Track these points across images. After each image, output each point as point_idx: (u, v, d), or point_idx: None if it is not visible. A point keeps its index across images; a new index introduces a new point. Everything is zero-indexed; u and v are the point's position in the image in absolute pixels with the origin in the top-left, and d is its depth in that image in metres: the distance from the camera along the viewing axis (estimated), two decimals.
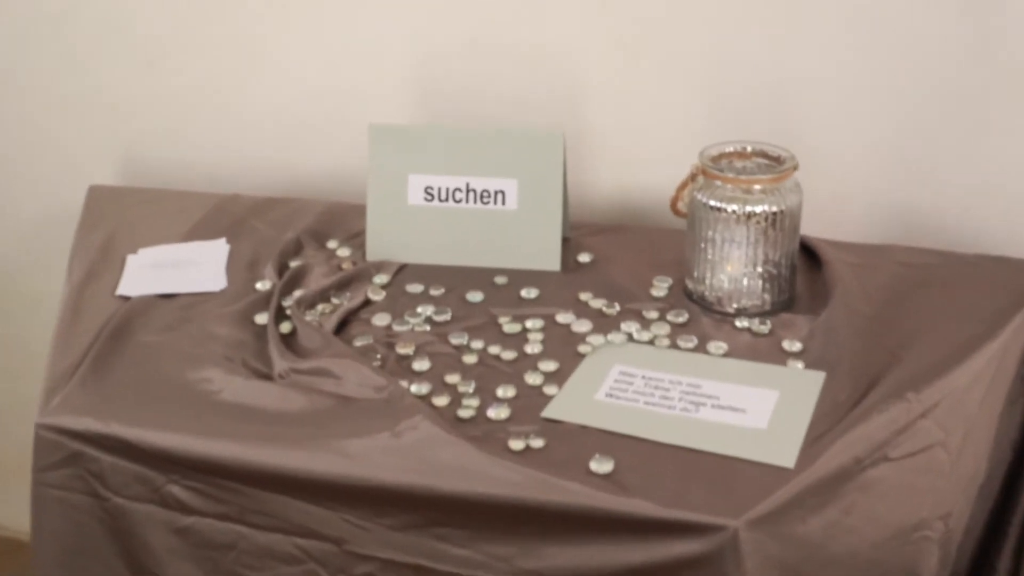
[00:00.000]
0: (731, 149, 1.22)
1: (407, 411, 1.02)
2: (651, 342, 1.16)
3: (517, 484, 0.95)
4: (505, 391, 1.09)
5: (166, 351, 1.18)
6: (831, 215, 1.38)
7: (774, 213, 1.17)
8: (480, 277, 1.31)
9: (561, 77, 1.49)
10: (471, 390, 1.10)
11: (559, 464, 0.98)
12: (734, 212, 1.18)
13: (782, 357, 1.14)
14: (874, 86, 1.39)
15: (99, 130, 1.70)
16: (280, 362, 1.13)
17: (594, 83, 1.47)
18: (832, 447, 0.99)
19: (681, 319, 1.20)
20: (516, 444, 1.01)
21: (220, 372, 1.13)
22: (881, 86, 1.39)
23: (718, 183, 1.19)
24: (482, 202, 1.33)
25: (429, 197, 1.34)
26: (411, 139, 1.34)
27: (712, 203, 1.18)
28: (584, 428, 1.04)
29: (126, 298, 1.28)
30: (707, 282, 1.22)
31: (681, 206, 1.25)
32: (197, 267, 1.35)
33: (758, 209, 1.17)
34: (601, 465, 0.98)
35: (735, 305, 1.21)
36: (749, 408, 1.05)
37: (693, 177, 1.20)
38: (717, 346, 1.15)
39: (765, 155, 1.22)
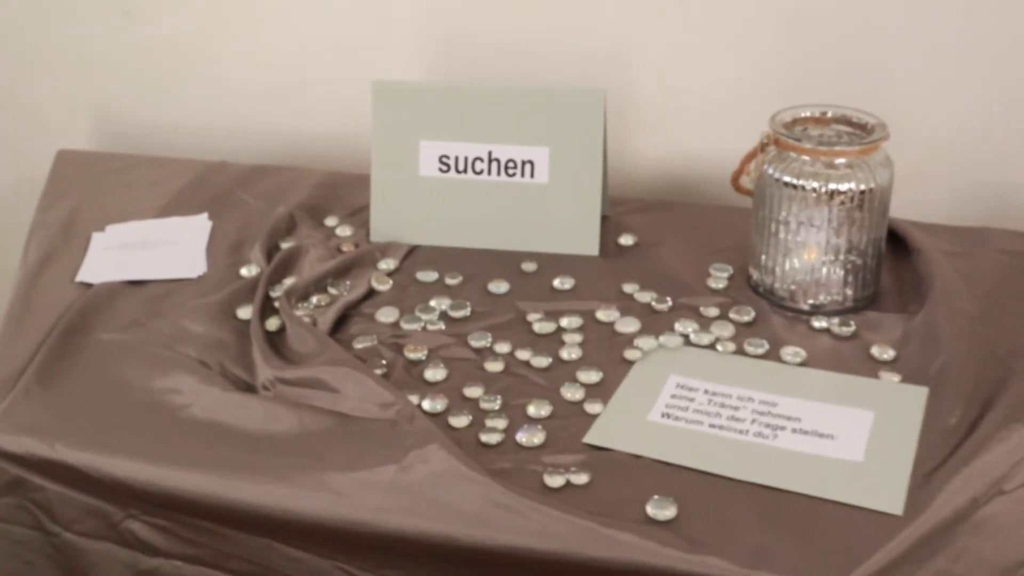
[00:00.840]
0: (807, 114, 1.02)
1: (418, 437, 0.83)
2: (712, 346, 0.97)
3: (556, 534, 0.76)
4: (539, 409, 0.90)
5: (129, 353, 0.98)
6: (913, 193, 1.18)
7: (862, 192, 0.97)
8: (504, 263, 1.11)
9: (596, 29, 1.28)
10: (496, 407, 0.90)
11: (608, 507, 0.79)
12: (814, 190, 0.98)
13: (872, 367, 0.94)
14: (966, 45, 1.18)
15: (70, 88, 1.49)
16: (265, 369, 0.93)
17: (635, 36, 1.27)
18: (947, 487, 0.79)
19: (747, 317, 1.00)
20: (554, 480, 0.82)
21: (192, 381, 0.93)
22: (974, 46, 1.18)
23: (793, 155, 0.99)
24: (507, 174, 1.13)
25: (444, 168, 1.14)
26: (423, 99, 1.13)
27: (787, 179, 0.98)
28: (638, 458, 0.85)
29: (88, 285, 1.09)
30: (777, 273, 1.01)
31: (745, 181, 1.06)
32: (173, 248, 1.16)
33: (843, 187, 0.97)
34: (661, 509, 0.79)
35: (811, 301, 1.01)
36: (839, 433, 0.86)
37: (763, 147, 1.00)
38: (793, 352, 0.95)
39: (847, 121, 1.01)
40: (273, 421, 0.89)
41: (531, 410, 0.90)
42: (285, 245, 1.15)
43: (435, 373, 0.94)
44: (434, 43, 1.33)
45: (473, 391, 0.92)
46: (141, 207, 1.24)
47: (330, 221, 1.20)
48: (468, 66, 1.32)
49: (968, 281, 1.02)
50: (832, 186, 0.97)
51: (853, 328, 0.98)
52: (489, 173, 1.13)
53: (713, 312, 1.02)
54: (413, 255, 1.13)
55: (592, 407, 0.90)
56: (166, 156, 1.39)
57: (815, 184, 0.97)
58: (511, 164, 1.12)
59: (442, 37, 1.33)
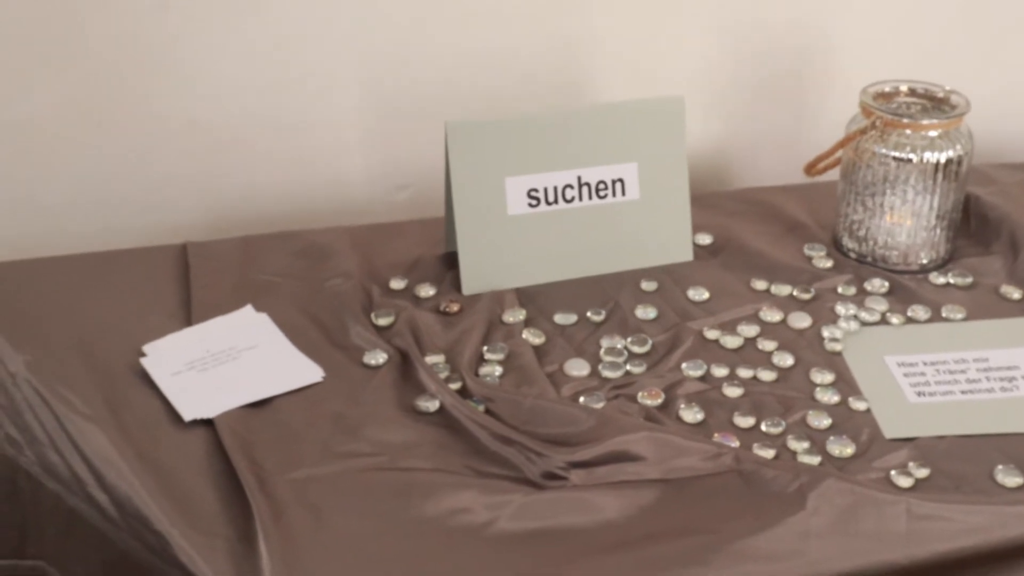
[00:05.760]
0: (887, 89, 1.10)
1: (803, 479, 0.80)
2: (884, 321, 1.03)
3: (980, 527, 0.78)
4: (818, 420, 0.90)
5: (352, 484, 0.83)
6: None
7: (957, 158, 1.07)
8: (622, 288, 1.07)
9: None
10: (780, 429, 0.89)
11: (972, 488, 0.83)
12: (922, 162, 1.06)
13: (1014, 307, 1.05)
14: None
15: None
16: (548, 457, 0.84)
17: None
18: None
19: (882, 289, 1.07)
20: (904, 480, 0.84)
21: (471, 494, 0.81)
22: None
23: (889, 130, 1.06)
24: (598, 196, 1.08)
25: (534, 202, 1.07)
26: (501, 133, 1.05)
27: (896, 154, 1.06)
28: (941, 439, 0.89)
29: (205, 422, 0.89)
30: (881, 240, 1.09)
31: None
32: (258, 354, 0.97)
33: (946, 156, 1.06)
34: (1010, 477, 0.84)
35: (922, 261, 1.10)
36: None
37: (873, 126, 1.06)
38: (950, 309, 1.04)
39: (913, 92, 1.11)
40: (600, 509, 0.80)
41: (813, 422, 0.90)
42: (383, 321, 1.01)
43: (692, 413, 0.91)
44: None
45: (744, 420, 0.90)
46: (152, 317, 1.02)
47: (396, 283, 1.07)
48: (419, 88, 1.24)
49: None
50: (947, 155, 1.05)
51: (971, 278, 1.09)
52: (580, 199, 1.08)
53: (851, 290, 1.07)
54: (528, 299, 1.05)
55: (856, 404, 0.93)
56: (95, 250, 1.15)
57: (926, 155, 1.05)
58: (602, 185, 1.08)
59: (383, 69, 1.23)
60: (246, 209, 1.28)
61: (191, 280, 1.07)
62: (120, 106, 1.19)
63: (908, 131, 1.06)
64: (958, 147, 1.06)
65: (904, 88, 1.11)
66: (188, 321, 1.03)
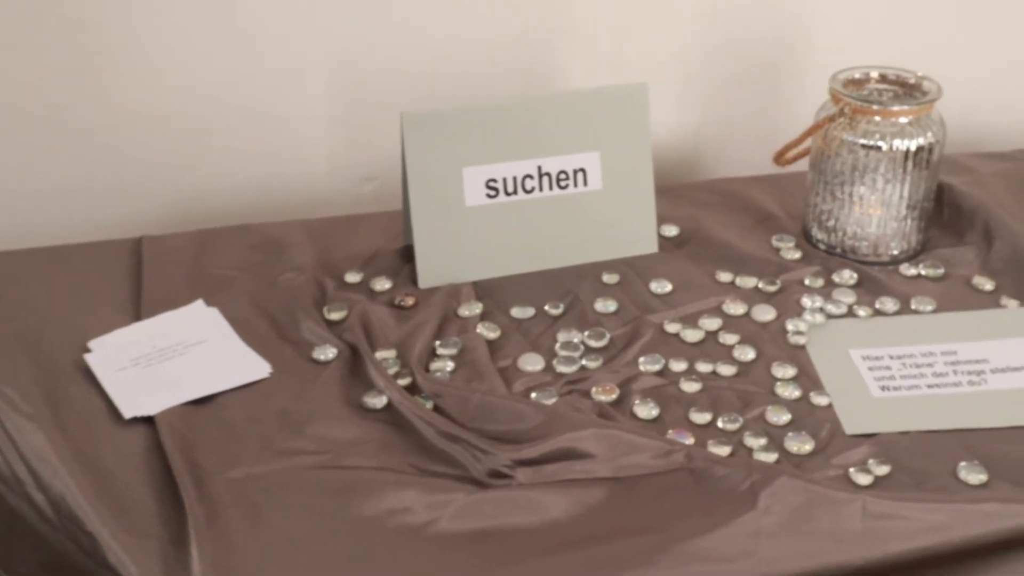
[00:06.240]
0: (858, 75, 1.07)
1: (756, 477, 0.77)
2: (851, 313, 1.00)
3: (940, 525, 0.76)
4: (777, 415, 0.87)
5: (295, 483, 0.80)
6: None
7: (928, 145, 1.04)
8: (582, 281, 1.04)
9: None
10: (738, 425, 0.87)
11: (933, 485, 0.80)
12: (892, 150, 1.03)
13: (985, 298, 1.02)
14: None
15: None
16: (493, 455, 0.81)
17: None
18: None
19: (851, 280, 1.04)
20: (862, 478, 0.81)
21: (412, 493, 0.78)
22: None
23: (859, 118, 1.03)
24: (559, 186, 1.05)
25: (492, 192, 1.04)
26: (459, 123, 1.02)
27: (865, 142, 1.03)
28: (904, 434, 0.86)
29: (145, 420, 0.87)
30: (851, 231, 1.06)
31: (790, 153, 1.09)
32: (205, 350, 0.95)
33: (916, 143, 1.03)
34: (976, 474, 0.81)
35: (893, 252, 1.07)
36: None
37: (842, 113, 1.02)
38: (919, 301, 1.00)
39: (884, 79, 1.08)
40: (546, 509, 0.78)
41: (772, 418, 0.87)
42: (335, 315, 0.99)
43: (647, 409, 0.88)
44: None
45: (700, 416, 0.87)
46: (102, 312, 0.99)
47: (352, 277, 1.05)
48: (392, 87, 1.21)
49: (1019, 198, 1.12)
50: (917, 143, 1.02)
51: (942, 269, 1.06)
52: (540, 189, 1.05)
53: (819, 282, 1.04)
54: (485, 293, 1.02)
55: (817, 399, 0.90)
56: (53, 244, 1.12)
57: (896, 143, 1.02)
58: (563, 175, 1.05)
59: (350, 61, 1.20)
60: (210, 203, 1.26)
61: (143, 274, 1.04)
62: (81, 98, 1.17)
63: (877, 118, 1.03)
64: (929, 134, 1.04)
65: (875, 74, 1.07)
66: (138, 316, 1.01)
